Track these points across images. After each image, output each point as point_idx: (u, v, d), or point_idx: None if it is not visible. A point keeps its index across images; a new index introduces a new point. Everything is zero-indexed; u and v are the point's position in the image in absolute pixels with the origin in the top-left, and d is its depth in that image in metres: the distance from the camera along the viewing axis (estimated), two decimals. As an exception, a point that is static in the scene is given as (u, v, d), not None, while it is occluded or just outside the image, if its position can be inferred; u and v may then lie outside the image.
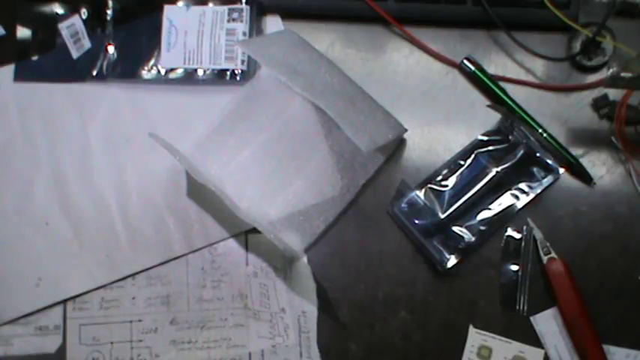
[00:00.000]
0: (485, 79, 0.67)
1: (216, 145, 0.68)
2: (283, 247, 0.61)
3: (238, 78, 0.67)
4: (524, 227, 0.65)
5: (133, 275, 0.68)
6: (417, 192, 0.66)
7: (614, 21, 0.66)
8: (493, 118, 0.67)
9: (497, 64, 0.68)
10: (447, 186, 0.66)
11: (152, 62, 0.69)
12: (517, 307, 0.65)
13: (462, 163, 0.67)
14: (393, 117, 0.66)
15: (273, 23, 0.70)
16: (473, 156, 0.66)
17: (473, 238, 0.65)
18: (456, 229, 0.65)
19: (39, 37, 0.71)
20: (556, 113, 0.67)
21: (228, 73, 0.68)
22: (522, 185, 0.66)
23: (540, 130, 0.66)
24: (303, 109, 0.67)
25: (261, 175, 0.67)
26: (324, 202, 0.66)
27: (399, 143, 0.68)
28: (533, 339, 0.64)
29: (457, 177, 0.66)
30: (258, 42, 0.64)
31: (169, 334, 0.67)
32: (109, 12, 0.70)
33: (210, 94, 0.69)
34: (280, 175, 0.67)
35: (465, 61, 0.68)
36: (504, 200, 0.66)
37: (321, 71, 0.65)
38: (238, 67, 0.66)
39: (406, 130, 0.66)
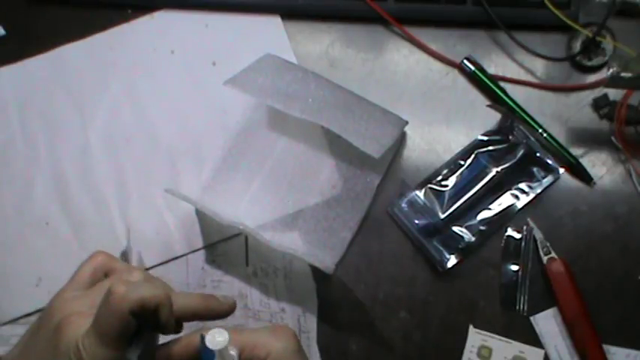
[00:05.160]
0: (485, 79, 0.67)
1: (225, 184, 0.68)
2: (322, 266, 0.61)
3: None
4: (525, 227, 0.65)
5: (133, 275, 0.68)
6: (417, 192, 0.66)
7: (614, 21, 0.66)
8: (493, 118, 0.67)
9: (497, 64, 0.68)
10: (447, 186, 0.66)
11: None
12: (517, 307, 0.65)
13: (462, 163, 0.67)
14: (391, 112, 0.66)
15: (273, 23, 0.70)
16: (473, 156, 0.66)
17: (473, 238, 0.65)
18: (456, 229, 0.65)
19: None
20: (556, 113, 0.67)
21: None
22: (522, 185, 0.66)
23: (540, 130, 0.66)
24: (300, 127, 0.67)
25: (275, 202, 0.67)
26: (345, 212, 0.66)
27: (400, 142, 0.68)
28: (533, 339, 0.64)
29: (457, 177, 0.66)
30: (243, 77, 0.64)
31: (169, 334, 0.67)
32: None
33: (210, 94, 0.69)
34: (294, 197, 0.67)
35: (465, 61, 0.68)
36: (504, 200, 0.66)
37: (311, 88, 0.65)
38: None
39: (407, 123, 0.66)
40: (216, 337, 0.43)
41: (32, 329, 0.50)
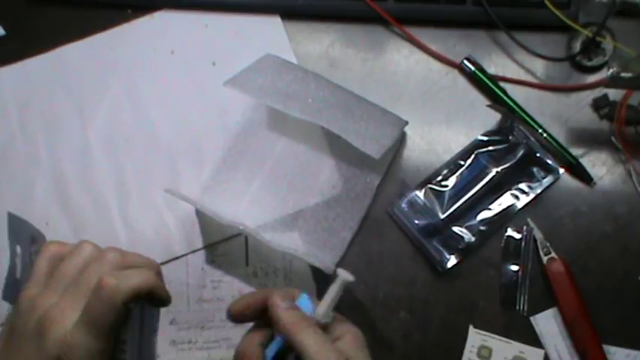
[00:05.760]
0: (485, 79, 0.67)
1: (225, 184, 0.68)
2: (323, 266, 0.61)
3: None
4: (525, 227, 0.65)
5: (132, 275, 0.68)
6: (417, 192, 0.66)
7: (614, 21, 0.66)
8: (493, 118, 0.67)
9: (497, 64, 0.68)
10: (447, 186, 0.66)
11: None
12: (517, 308, 0.65)
13: (462, 163, 0.67)
14: (391, 112, 0.66)
15: (273, 24, 0.70)
16: (473, 156, 0.66)
17: (473, 238, 0.65)
18: (456, 229, 0.65)
19: None
20: (556, 113, 0.67)
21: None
22: (522, 185, 0.66)
23: (540, 130, 0.66)
24: (300, 128, 0.67)
25: (275, 202, 0.67)
26: (344, 212, 0.66)
27: (400, 142, 0.68)
28: (533, 339, 0.64)
29: (457, 177, 0.66)
30: (243, 77, 0.64)
31: (169, 335, 0.67)
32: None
33: (209, 94, 0.69)
34: (294, 197, 0.67)
35: (465, 61, 0.68)
36: (504, 200, 0.66)
37: (311, 88, 0.65)
38: None
39: (407, 123, 0.66)
40: (347, 275, 0.52)
41: (4, 339, 0.49)
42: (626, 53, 0.64)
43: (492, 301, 0.65)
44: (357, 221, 0.66)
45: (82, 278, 0.47)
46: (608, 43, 0.66)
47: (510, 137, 0.66)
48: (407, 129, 0.67)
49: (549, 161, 0.66)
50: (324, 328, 0.51)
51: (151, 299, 0.48)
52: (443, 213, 0.65)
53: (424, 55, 0.69)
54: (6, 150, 0.70)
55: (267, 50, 0.68)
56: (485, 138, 0.67)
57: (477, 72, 0.67)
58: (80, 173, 0.69)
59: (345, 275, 0.52)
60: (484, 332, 0.65)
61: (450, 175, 0.66)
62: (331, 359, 0.47)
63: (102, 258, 0.48)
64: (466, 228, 0.65)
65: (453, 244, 0.65)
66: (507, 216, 0.66)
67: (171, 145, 0.69)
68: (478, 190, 0.66)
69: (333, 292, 0.52)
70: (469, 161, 0.67)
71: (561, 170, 0.66)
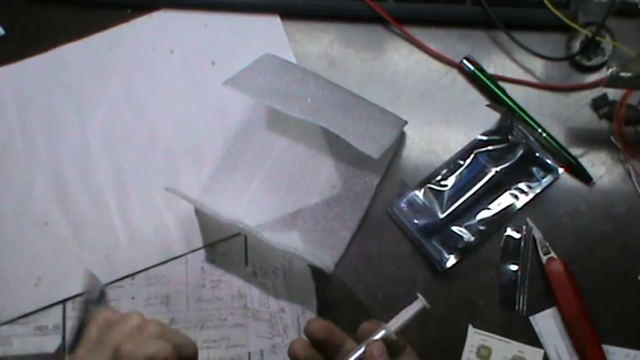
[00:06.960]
0: (484, 79, 0.67)
1: (224, 184, 0.68)
2: (323, 266, 0.62)
3: None
4: (524, 227, 0.65)
5: (132, 275, 0.68)
6: (417, 192, 0.66)
7: (614, 21, 0.66)
8: (492, 117, 0.67)
9: (496, 64, 0.68)
10: (446, 186, 0.66)
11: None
12: (516, 307, 0.65)
13: (462, 162, 0.67)
14: (390, 112, 0.66)
15: (272, 23, 0.70)
16: (472, 156, 0.66)
17: (472, 238, 0.65)
18: (455, 228, 0.65)
19: None
20: (555, 113, 0.67)
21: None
22: (522, 185, 0.66)
23: (540, 130, 0.66)
24: (299, 128, 0.67)
25: (275, 202, 0.67)
26: (344, 212, 0.66)
27: (399, 142, 0.68)
28: (532, 339, 0.64)
29: (456, 177, 0.66)
30: (242, 77, 0.64)
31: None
32: None
33: (209, 94, 0.69)
34: (293, 196, 0.67)
35: (465, 61, 0.68)
36: (504, 200, 0.66)
37: (311, 88, 0.65)
38: None
39: (406, 123, 0.66)
40: (425, 302, 0.54)
41: None
42: (625, 53, 0.64)
43: (492, 301, 0.65)
44: (357, 221, 0.66)
45: (124, 346, 0.49)
46: (607, 43, 0.66)
47: (510, 137, 0.66)
48: (406, 129, 0.67)
49: (549, 161, 0.66)
50: (389, 345, 0.52)
51: None
52: (442, 213, 0.65)
53: (423, 55, 0.69)
54: (5, 150, 0.70)
55: (267, 50, 0.68)
56: (484, 138, 0.67)
57: (476, 72, 0.67)
58: (79, 173, 0.69)
59: (424, 301, 0.53)
60: (483, 332, 0.65)
61: (450, 175, 0.66)
62: None
63: (144, 329, 0.50)
64: (465, 228, 0.65)
65: (453, 243, 0.65)
66: (507, 216, 0.66)
67: (171, 145, 0.69)
68: (477, 190, 0.66)
69: (408, 314, 0.53)
70: (468, 161, 0.67)
71: (560, 170, 0.66)
